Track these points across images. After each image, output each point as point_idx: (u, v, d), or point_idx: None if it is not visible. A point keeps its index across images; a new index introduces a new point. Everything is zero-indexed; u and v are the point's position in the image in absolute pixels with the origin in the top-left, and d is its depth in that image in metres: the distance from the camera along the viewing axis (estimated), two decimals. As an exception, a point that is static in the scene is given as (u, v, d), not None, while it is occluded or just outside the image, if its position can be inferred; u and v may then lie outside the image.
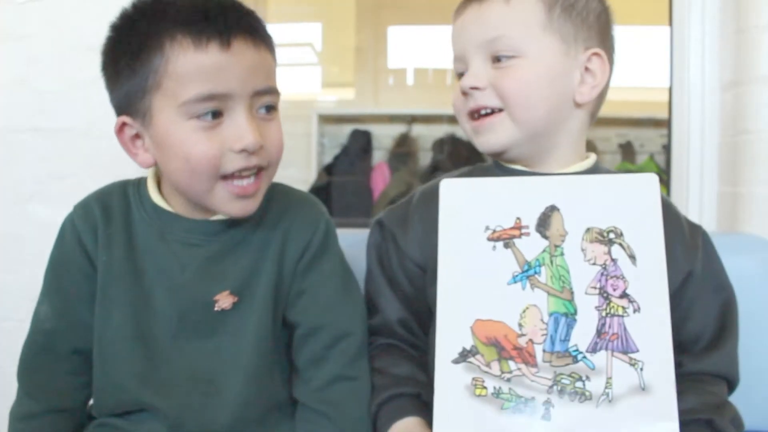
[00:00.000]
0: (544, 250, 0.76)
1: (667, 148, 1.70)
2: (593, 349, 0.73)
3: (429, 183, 1.00)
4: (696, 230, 0.94)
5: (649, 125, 3.62)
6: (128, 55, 0.81)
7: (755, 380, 1.04)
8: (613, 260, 0.75)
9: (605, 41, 0.91)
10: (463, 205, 0.80)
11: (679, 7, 1.54)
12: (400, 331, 0.95)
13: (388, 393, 0.88)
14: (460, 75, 0.94)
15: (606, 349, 0.73)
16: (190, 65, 0.78)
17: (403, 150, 3.83)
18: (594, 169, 0.92)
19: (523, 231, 0.77)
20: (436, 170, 3.57)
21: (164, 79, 0.79)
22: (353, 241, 0.98)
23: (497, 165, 0.95)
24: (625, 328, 0.73)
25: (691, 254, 0.90)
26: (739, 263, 1.09)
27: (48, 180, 1.45)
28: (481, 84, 0.88)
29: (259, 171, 0.84)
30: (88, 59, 1.28)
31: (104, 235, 0.88)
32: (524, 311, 0.75)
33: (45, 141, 1.45)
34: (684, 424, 0.72)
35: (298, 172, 3.76)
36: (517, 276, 0.76)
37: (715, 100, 1.50)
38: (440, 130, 3.75)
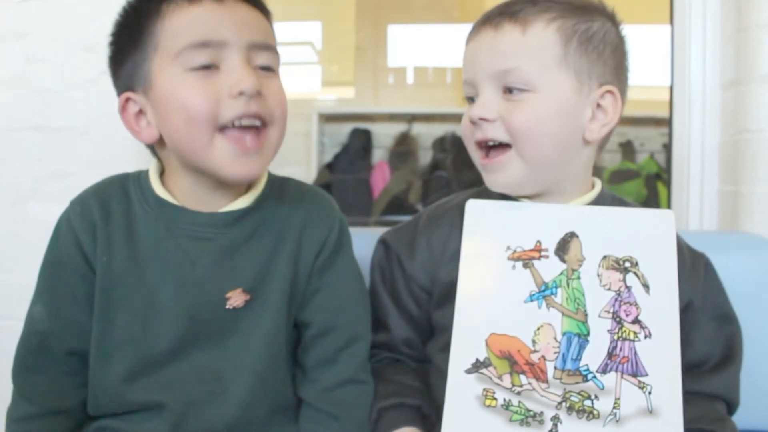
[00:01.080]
0: (561, 273, 0.79)
1: (667, 147, 1.69)
2: (603, 370, 0.75)
3: (435, 205, 1.00)
4: (698, 259, 0.93)
5: (649, 124, 3.61)
6: (130, 29, 0.83)
7: (756, 380, 1.04)
8: (628, 287, 0.78)
9: (619, 76, 0.89)
10: (487, 225, 0.84)
11: (679, 6, 1.54)
12: (405, 350, 0.96)
13: (390, 401, 0.89)
14: (469, 99, 0.92)
15: (616, 371, 0.75)
16: (185, 18, 0.80)
17: (403, 148, 3.82)
18: (599, 198, 0.92)
19: (543, 254, 0.80)
20: (437, 169, 3.57)
21: (161, 38, 0.81)
22: (354, 241, 0.98)
23: (500, 193, 0.94)
24: (635, 353, 0.76)
25: (690, 285, 0.89)
26: (740, 262, 1.10)
27: (48, 179, 1.44)
28: (490, 116, 0.85)
29: (260, 128, 0.83)
30: (88, 58, 1.28)
31: (104, 235, 0.86)
32: (539, 329, 0.77)
33: (45, 140, 1.44)
34: None
35: (299, 170, 3.76)
36: (534, 295, 0.79)
37: (715, 99, 1.50)
38: (440, 129, 3.74)
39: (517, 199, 0.91)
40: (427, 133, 3.84)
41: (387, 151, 3.87)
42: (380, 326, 0.96)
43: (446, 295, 0.90)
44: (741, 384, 0.91)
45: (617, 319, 0.77)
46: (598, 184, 0.94)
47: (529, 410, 0.74)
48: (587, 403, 0.74)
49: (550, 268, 0.80)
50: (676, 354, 0.75)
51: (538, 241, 0.81)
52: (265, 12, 0.88)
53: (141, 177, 0.91)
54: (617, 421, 0.73)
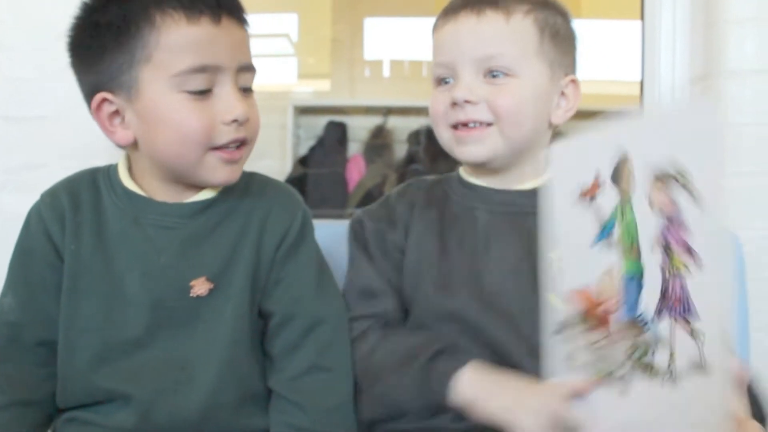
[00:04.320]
0: (617, 204, 0.71)
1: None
2: (659, 315, 0.69)
3: (401, 187, 1.04)
4: None
5: (621, 119, 3.64)
6: (114, 30, 0.82)
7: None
8: (677, 205, 0.67)
9: (574, 67, 0.97)
10: (567, 168, 0.76)
11: (650, 2, 1.56)
12: (398, 317, 0.97)
13: (434, 348, 0.87)
14: (440, 80, 0.96)
15: (670, 315, 0.68)
16: (183, 37, 0.81)
17: (378, 142, 3.82)
18: None
19: (601, 186, 0.73)
20: (412, 162, 3.57)
21: (155, 52, 0.81)
22: (328, 233, 0.99)
23: (460, 180, 1.00)
24: (686, 290, 0.67)
25: None
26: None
27: (19, 169, 1.43)
28: (475, 98, 0.90)
29: (241, 144, 0.88)
30: (60, 47, 1.27)
31: (72, 224, 0.88)
32: (605, 275, 0.72)
33: (16, 130, 1.43)
34: None
35: (273, 163, 3.74)
36: (598, 236, 0.73)
37: (684, 94, 1.53)
38: (416, 122, 3.74)
39: (467, 183, 0.97)
40: (402, 127, 3.84)
41: (362, 144, 3.87)
42: (374, 299, 0.97)
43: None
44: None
45: (667, 250, 0.68)
46: None
47: (605, 367, 0.71)
48: (648, 358, 0.69)
49: (608, 200, 0.72)
50: (728, 290, 0.66)
51: (597, 172, 0.72)
52: (246, 24, 0.90)
53: (110, 170, 0.93)
54: (673, 378, 0.67)
